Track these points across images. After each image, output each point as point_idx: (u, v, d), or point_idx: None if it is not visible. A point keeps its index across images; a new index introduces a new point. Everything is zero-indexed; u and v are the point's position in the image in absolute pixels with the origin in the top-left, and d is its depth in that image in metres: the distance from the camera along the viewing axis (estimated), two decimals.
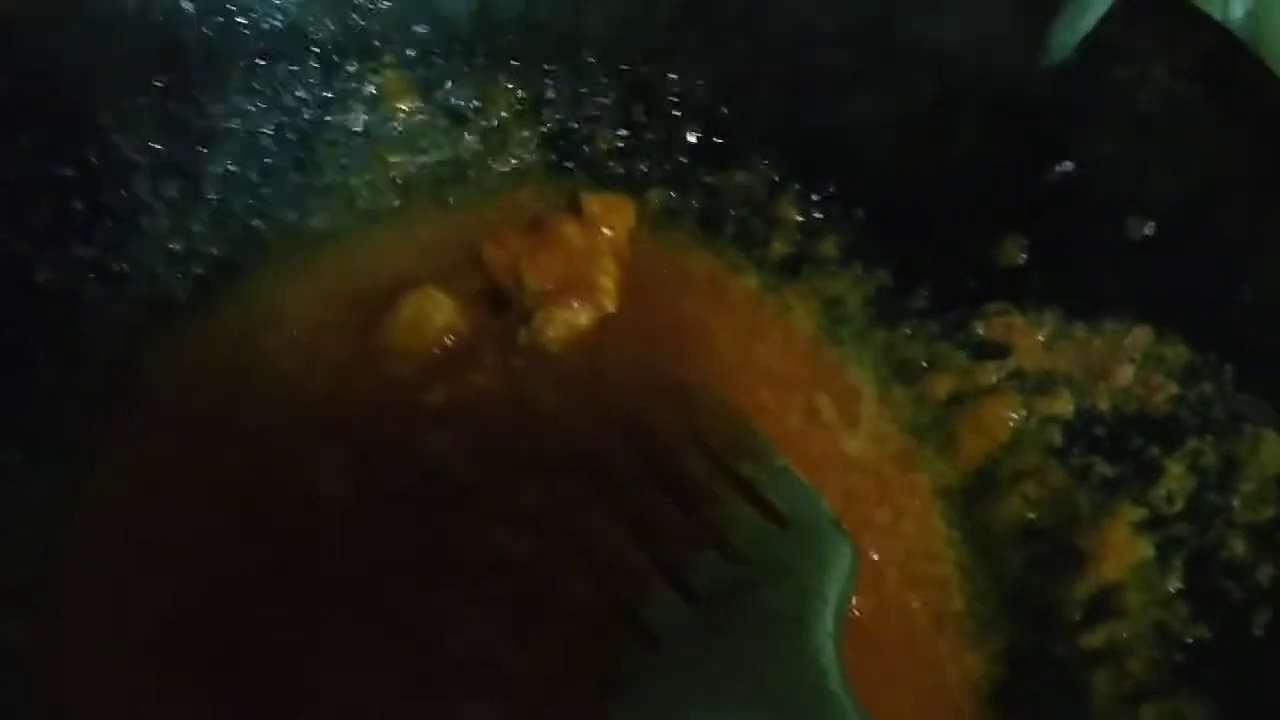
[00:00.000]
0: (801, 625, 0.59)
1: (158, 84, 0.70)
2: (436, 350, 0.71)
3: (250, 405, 0.68)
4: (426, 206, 0.78)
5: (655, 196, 0.79)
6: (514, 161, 0.79)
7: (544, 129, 0.79)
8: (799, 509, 0.65)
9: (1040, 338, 0.71)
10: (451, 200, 0.78)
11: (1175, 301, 0.66)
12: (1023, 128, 0.71)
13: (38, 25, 0.66)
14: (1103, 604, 0.65)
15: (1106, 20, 0.67)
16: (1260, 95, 0.64)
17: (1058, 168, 0.70)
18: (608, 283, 0.73)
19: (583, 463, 0.68)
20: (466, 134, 0.78)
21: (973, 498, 0.70)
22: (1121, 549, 0.65)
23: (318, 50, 0.74)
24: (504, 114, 0.78)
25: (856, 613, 0.63)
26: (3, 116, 0.65)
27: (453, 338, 0.71)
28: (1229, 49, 0.66)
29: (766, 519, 0.65)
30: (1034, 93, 0.70)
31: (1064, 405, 0.69)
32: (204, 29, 0.71)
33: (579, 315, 0.71)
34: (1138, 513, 0.65)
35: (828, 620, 0.59)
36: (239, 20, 0.72)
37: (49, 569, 0.61)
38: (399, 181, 0.77)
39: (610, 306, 0.73)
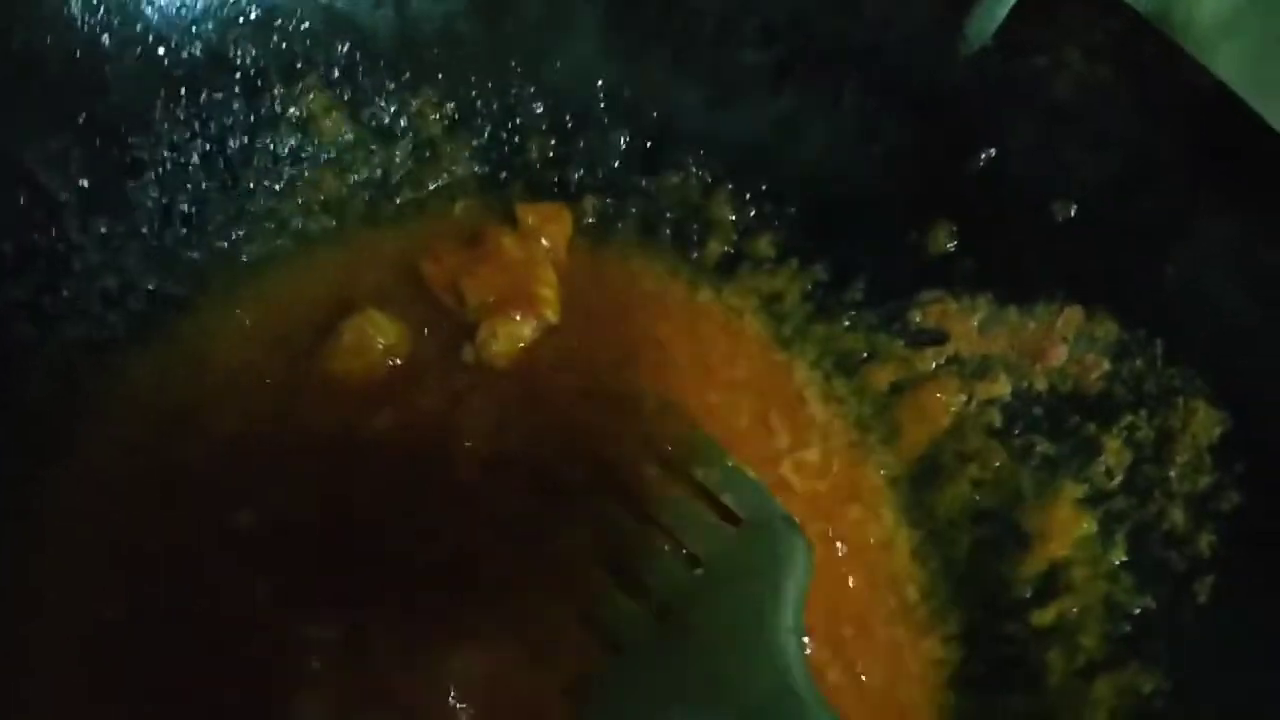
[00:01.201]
0: (760, 622, 0.60)
1: (80, 120, 0.68)
2: (380, 373, 0.70)
3: (192, 442, 0.67)
4: (361, 227, 0.77)
5: (590, 204, 0.79)
6: (446, 176, 0.79)
7: (474, 142, 0.79)
8: (751, 508, 0.66)
9: (975, 323, 0.72)
10: (386, 219, 0.78)
11: (1103, 281, 0.68)
12: (944, 118, 0.72)
13: None
14: (1051, 581, 0.67)
15: (1021, 9, 0.68)
16: (1172, 77, 0.66)
17: (981, 155, 0.71)
18: (548, 293, 0.73)
19: (535, 477, 0.68)
20: (397, 151, 0.78)
21: (919, 485, 0.72)
22: (1066, 526, 0.67)
23: (240, 75, 0.73)
24: (433, 129, 0.78)
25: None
26: None
27: (397, 360, 0.71)
28: (1140, 32, 0.67)
29: (720, 520, 0.66)
30: (954, 83, 0.71)
31: (1002, 388, 0.71)
32: (123, 61, 0.69)
33: (522, 328, 0.72)
34: (1079, 489, 0.67)
35: (787, 616, 0.60)
36: (158, 50, 0.70)
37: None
38: (332, 203, 0.76)
39: (552, 317, 0.73)
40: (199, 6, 0.71)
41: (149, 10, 0.69)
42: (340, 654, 0.62)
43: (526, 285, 0.73)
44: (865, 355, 0.75)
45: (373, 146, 0.77)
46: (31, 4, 0.66)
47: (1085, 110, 0.68)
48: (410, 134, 0.78)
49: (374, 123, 0.77)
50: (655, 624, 0.63)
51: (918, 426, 0.72)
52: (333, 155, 0.76)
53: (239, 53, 0.73)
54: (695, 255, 0.79)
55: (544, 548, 0.66)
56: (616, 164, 0.79)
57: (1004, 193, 0.71)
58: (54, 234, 0.68)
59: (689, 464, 0.68)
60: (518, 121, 0.79)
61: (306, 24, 0.74)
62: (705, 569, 0.64)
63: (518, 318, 0.72)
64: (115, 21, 0.68)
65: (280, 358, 0.71)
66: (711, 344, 0.75)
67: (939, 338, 0.73)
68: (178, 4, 0.70)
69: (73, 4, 0.67)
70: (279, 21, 0.73)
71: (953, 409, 0.72)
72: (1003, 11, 0.69)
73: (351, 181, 0.77)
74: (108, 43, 0.68)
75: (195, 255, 0.72)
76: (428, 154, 0.78)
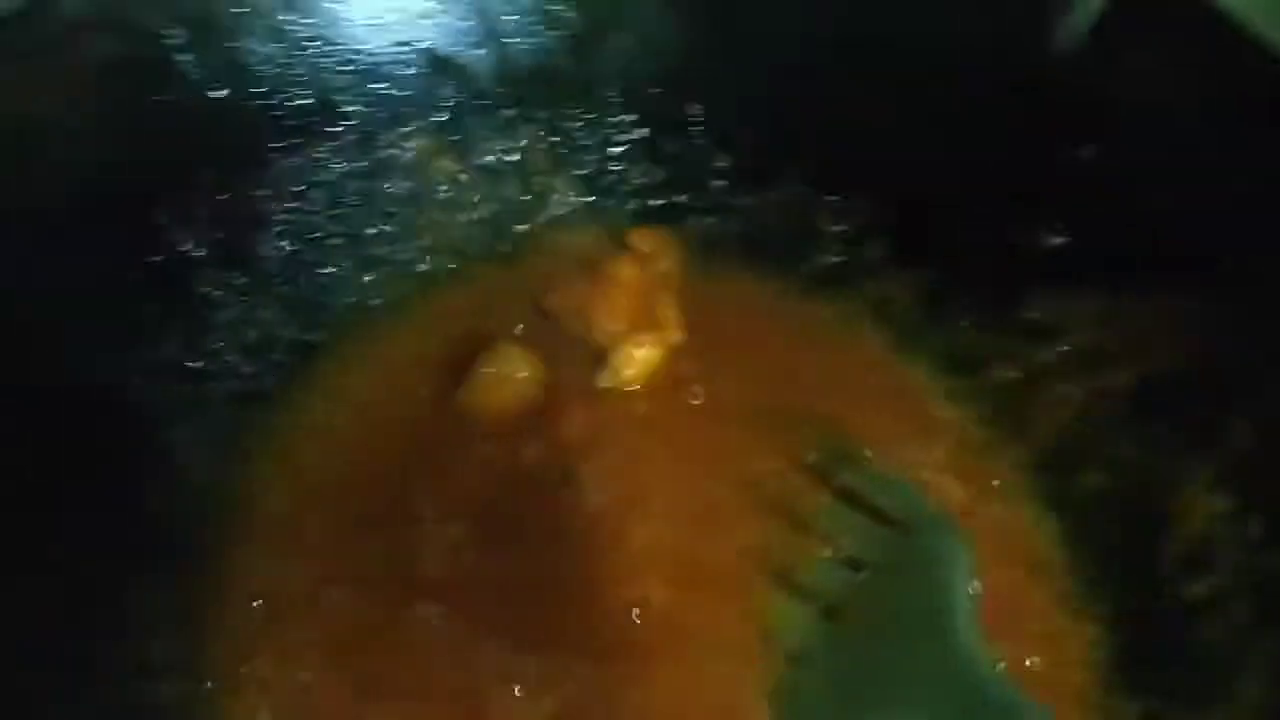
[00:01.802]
0: (940, 621, 0.61)
1: (204, 176, 0.69)
2: (521, 405, 0.71)
3: (356, 493, 0.68)
4: (481, 265, 0.78)
5: (696, 225, 0.80)
6: (555, 208, 0.80)
7: (579, 173, 0.80)
8: (906, 508, 0.67)
9: (1090, 315, 0.74)
10: (502, 255, 0.79)
11: (1212, 267, 0.70)
12: (1042, 116, 0.74)
13: (82, 128, 0.65)
14: (1196, 557, 0.68)
15: (1115, 6, 0.70)
16: (1260, 72, 0.68)
17: (1081, 151, 0.73)
18: (671, 315, 0.75)
19: (685, 496, 0.69)
20: (506, 188, 0.79)
21: (1054, 475, 0.73)
22: (1201, 504, 0.69)
23: (350, 123, 0.74)
24: (539, 164, 0.79)
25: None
26: (64, 231, 0.63)
27: (535, 391, 0.72)
28: (1236, 30, 0.70)
29: (875, 523, 0.67)
30: (1049, 81, 0.73)
31: (1123, 376, 0.72)
32: (238, 114, 0.70)
33: (652, 351, 0.73)
34: (1210, 469, 0.69)
35: (964, 612, 0.62)
36: (270, 102, 0.71)
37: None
38: (450, 243, 0.77)
39: (678, 338, 0.74)
40: (306, 56, 0.72)
41: (254, 61, 0.70)
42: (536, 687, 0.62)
43: (650, 309, 0.74)
44: (984, 353, 0.76)
45: (484, 185, 0.78)
46: (148, 69, 0.66)
47: (1178, 103, 0.70)
48: (517, 170, 0.79)
49: (482, 161, 0.78)
50: (828, 629, 0.65)
51: (1044, 419, 0.74)
52: (446, 196, 0.77)
53: (348, 100, 0.73)
54: (804, 268, 0.80)
55: (704, 568, 0.67)
56: (718, 185, 0.80)
57: (1109, 186, 0.72)
58: (192, 291, 0.68)
59: (835, 470, 0.69)
60: (619, 150, 0.80)
61: (410, 70, 0.75)
62: (869, 572, 0.66)
63: (647, 341, 0.73)
64: (226, 75, 0.69)
65: (423, 395, 0.72)
66: (831, 353, 0.76)
67: (1055, 332, 0.74)
68: (283, 57, 0.71)
69: (185, 62, 0.67)
70: (384, 68, 0.74)
71: (1076, 400, 0.73)
72: (1096, 11, 0.71)
73: (466, 220, 0.78)
74: (222, 96, 0.69)
75: (327, 302, 0.74)
76: (536, 188, 0.80)
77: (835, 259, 0.80)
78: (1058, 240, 0.74)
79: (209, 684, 0.62)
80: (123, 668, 0.61)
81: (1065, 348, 0.74)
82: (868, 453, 0.70)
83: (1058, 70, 0.72)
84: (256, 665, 0.63)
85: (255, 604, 0.65)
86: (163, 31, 0.66)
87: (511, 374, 0.71)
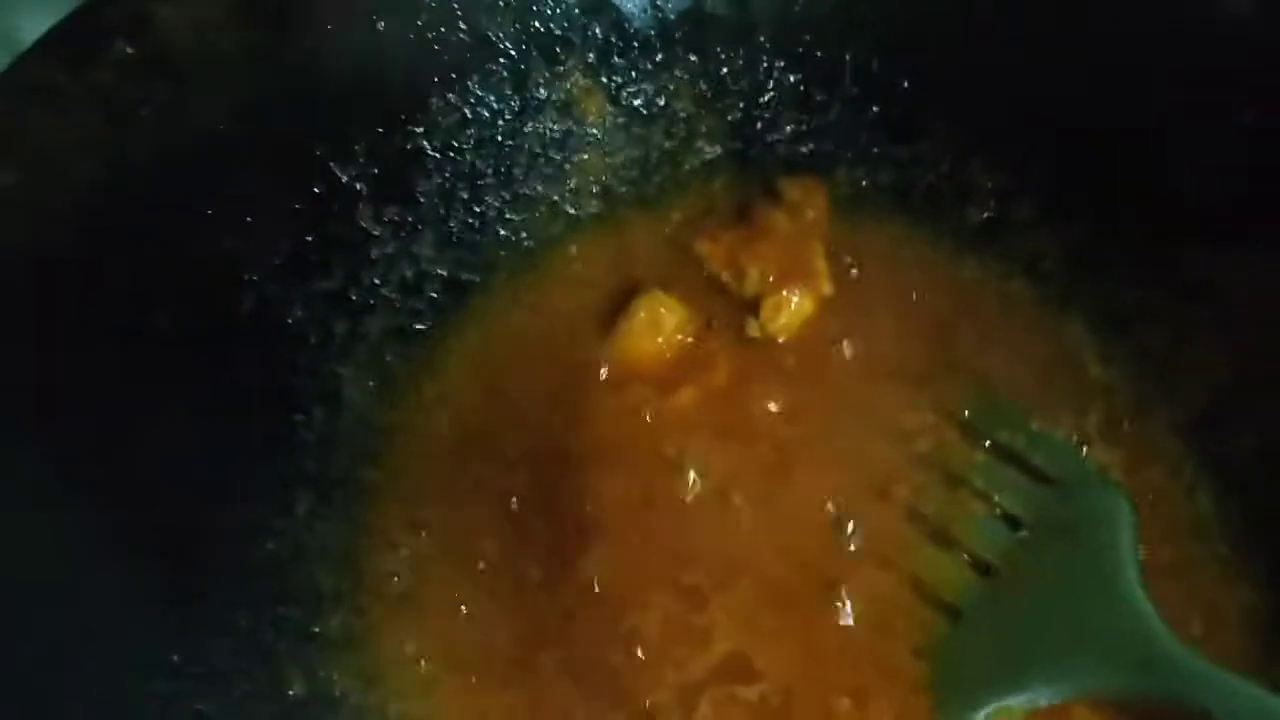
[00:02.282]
0: (1107, 579, 0.61)
1: (364, 110, 0.69)
2: (673, 352, 0.71)
3: (511, 431, 0.69)
4: (627, 208, 0.78)
5: (844, 175, 0.79)
6: (703, 154, 0.79)
7: (728, 119, 0.79)
8: (1064, 468, 0.67)
9: (1246, 276, 0.72)
10: (649, 199, 0.78)
11: None
12: (1206, 79, 0.72)
13: (247, 60, 0.64)
14: None
15: None
16: None
17: (1245, 115, 0.71)
18: (822, 265, 0.74)
19: (837, 452, 0.69)
20: (655, 132, 0.78)
21: (1210, 436, 0.71)
22: None
23: (505, 60, 0.73)
24: (688, 108, 0.78)
25: None
26: (229, 155, 0.64)
27: (687, 338, 0.71)
28: None
29: (1034, 482, 0.66)
30: (1217, 43, 0.71)
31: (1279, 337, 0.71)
32: (398, 48, 0.69)
33: (804, 301, 0.72)
34: None
35: (1130, 571, 0.61)
36: (428, 35, 0.70)
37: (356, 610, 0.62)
38: (599, 186, 0.77)
39: (828, 289, 0.73)
40: None
41: None
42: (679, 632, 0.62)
43: (802, 258, 0.73)
44: (1137, 312, 0.74)
45: (632, 129, 0.78)
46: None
47: None
48: (666, 114, 0.78)
49: (632, 104, 0.77)
50: (987, 586, 0.64)
51: (1199, 380, 0.73)
52: (596, 138, 0.76)
53: (503, 37, 0.73)
54: (953, 222, 0.78)
55: (859, 523, 0.66)
56: (867, 135, 0.79)
57: (1270, 150, 0.71)
58: (351, 224, 0.69)
59: (991, 428, 0.69)
60: (769, 97, 0.79)
61: (564, 6, 0.74)
62: (1030, 530, 0.65)
63: (797, 292, 0.72)
64: (388, 6, 0.68)
65: (573, 337, 0.72)
66: (983, 309, 0.75)
67: (1209, 292, 0.73)
68: None
69: None
70: (537, 5, 0.73)
71: (1231, 361, 0.72)
72: None
73: (614, 164, 0.78)
74: (383, 27, 0.68)
75: (480, 240, 0.73)
76: (684, 133, 0.79)
77: (987, 213, 0.78)
78: (1214, 201, 0.72)
79: (370, 614, 0.62)
80: (290, 598, 0.61)
81: (1220, 308, 0.73)
82: (1026, 412, 0.69)
83: (1226, 31, 0.70)
84: (413, 599, 0.64)
85: (401, 551, 0.66)
86: None
87: (661, 321, 0.71)
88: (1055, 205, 0.77)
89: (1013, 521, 0.66)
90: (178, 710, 0.56)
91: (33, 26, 0.65)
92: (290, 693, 0.61)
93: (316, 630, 0.63)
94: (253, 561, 0.62)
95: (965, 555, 0.65)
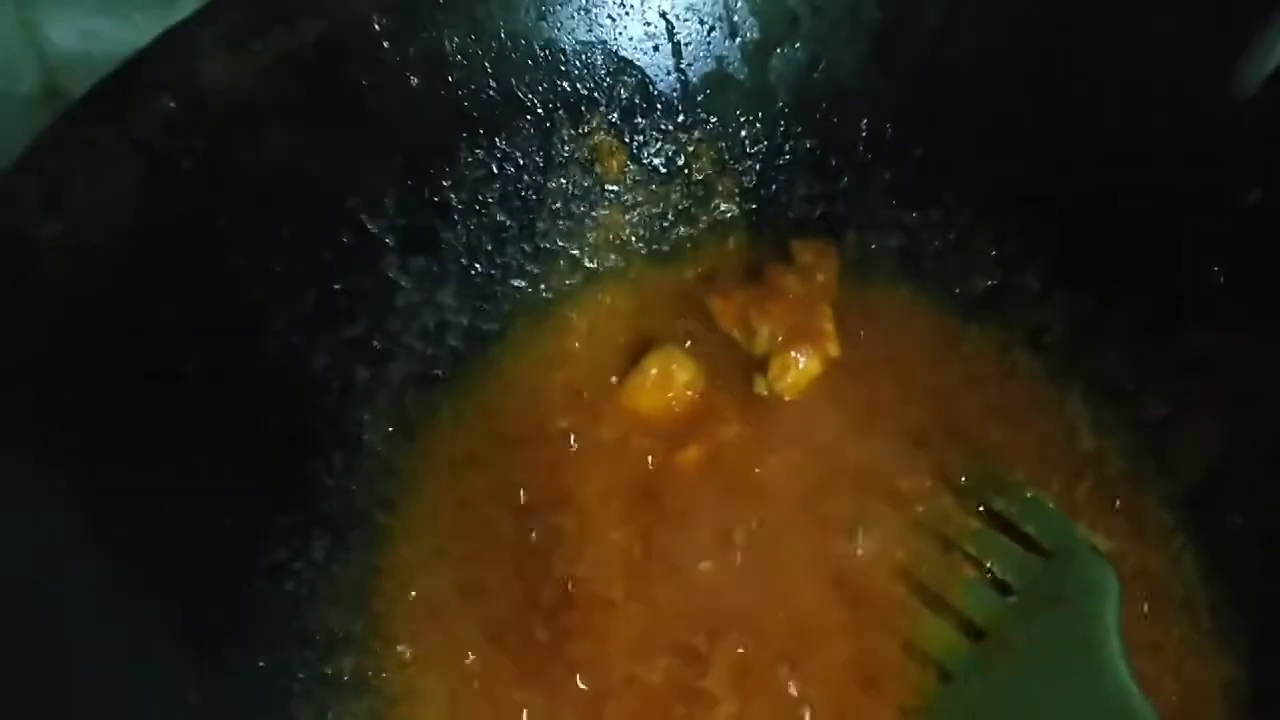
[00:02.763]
0: (1092, 650, 0.63)
1: (395, 162, 0.71)
2: (682, 408, 0.73)
3: (520, 484, 0.71)
4: (643, 264, 0.81)
5: (854, 239, 0.81)
6: (719, 213, 0.82)
7: (744, 180, 0.81)
8: (1056, 537, 0.68)
9: (1244, 352, 0.74)
10: (664, 256, 0.81)
11: None
12: (1213, 159, 0.74)
13: (284, 115, 0.67)
14: None
15: None
16: None
17: (1250, 196, 0.73)
18: (829, 328, 0.76)
19: (836, 512, 0.71)
20: (673, 190, 0.81)
21: (1200, 511, 0.73)
22: None
23: (531, 118, 0.76)
24: (706, 168, 0.81)
25: None
26: (265, 210, 0.66)
27: (695, 394, 0.73)
28: None
29: (1025, 549, 0.68)
30: (1224, 125, 0.73)
31: (1273, 416, 0.73)
32: (430, 103, 0.72)
33: (811, 362, 0.74)
34: None
35: (1113, 642, 0.63)
36: (459, 92, 0.73)
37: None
38: (616, 242, 0.79)
39: (834, 351, 0.75)
40: (493, 48, 0.73)
41: (449, 49, 0.72)
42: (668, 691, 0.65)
43: (811, 320, 0.75)
44: (1135, 386, 0.76)
45: (652, 186, 0.80)
46: (353, 54, 0.68)
47: None
48: (685, 173, 0.81)
49: (652, 163, 0.79)
50: (976, 650, 0.66)
51: (1193, 455, 0.74)
52: (616, 195, 0.79)
53: (531, 95, 0.75)
54: (958, 290, 0.81)
55: (853, 582, 0.68)
56: (879, 200, 0.81)
57: (1272, 233, 0.73)
58: (377, 273, 0.71)
59: (987, 495, 0.71)
60: (785, 160, 0.81)
61: (590, 67, 0.76)
62: (1020, 596, 0.67)
63: (807, 352, 0.74)
64: (423, 63, 0.71)
65: (586, 388, 0.75)
66: (984, 377, 0.77)
67: (1208, 368, 0.75)
68: (471, 48, 0.73)
69: (385, 49, 0.69)
70: (564, 66, 0.76)
71: (1227, 437, 0.74)
72: (1275, 60, 0.71)
73: (632, 220, 0.80)
74: (415, 84, 0.71)
75: (501, 290, 0.76)
76: (701, 193, 0.81)
77: (992, 282, 0.80)
78: (1218, 280, 0.74)
79: (382, 657, 0.65)
80: (303, 638, 0.64)
81: (1218, 384, 0.74)
82: (1023, 481, 0.71)
83: (1233, 113, 0.72)
84: (423, 644, 0.66)
85: (412, 595, 0.68)
86: (371, 17, 0.68)
87: (672, 376, 0.73)
88: (1059, 277, 0.79)
89: (1003, 588, 0.68)
90: None
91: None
92: None
93: (328, 672, 0.65)
94: (272, 604, 0.64)
95: (957, 619, 0.67)
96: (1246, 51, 0.71)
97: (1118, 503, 0.74)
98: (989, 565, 0.68)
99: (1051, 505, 0.70)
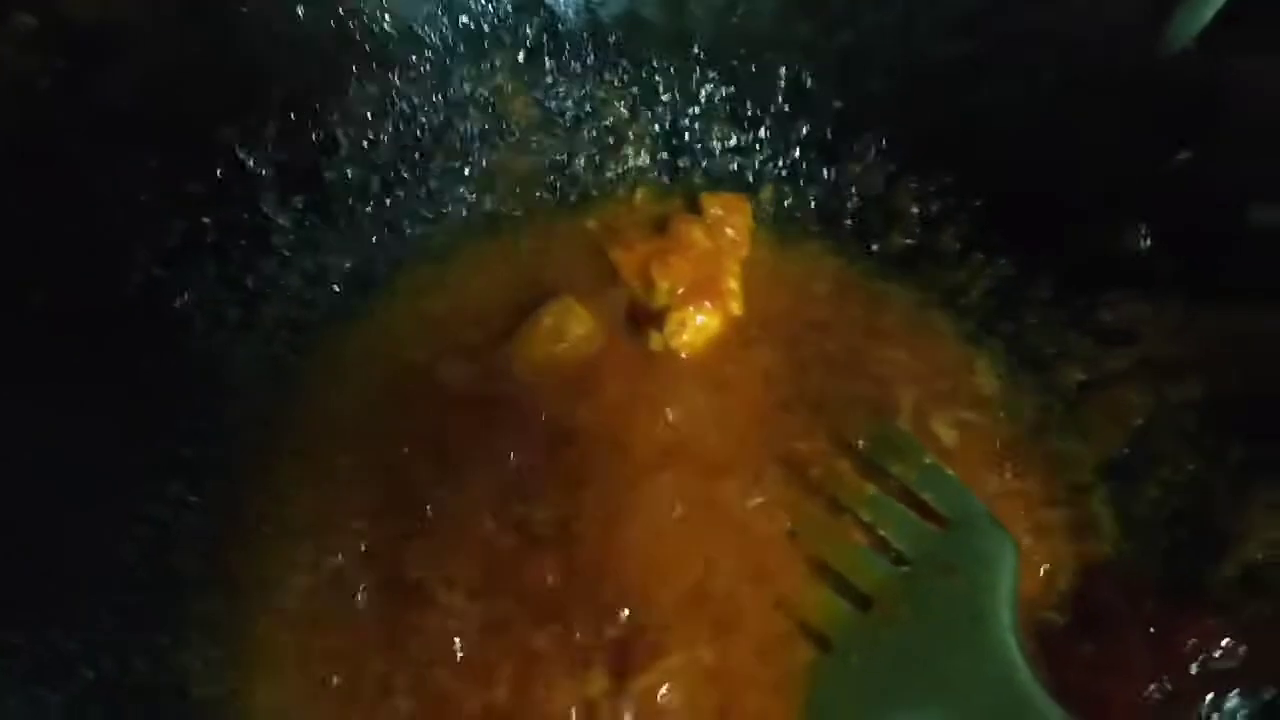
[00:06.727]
0: (980, 621, 0.61)
1: (276, 94, 0.68)
2: (575, 360, 0.70)
3: (393, 432, 0.68)
4: (546, 213, 0.77)
5: (770, 193, 0.78)
6: (628, 163, 0.78)
7: (656, 128, 0.78)
8: (954, 506, 0.66)
9: (1167, 324, 0.71)
10: (570, 205, 0.78)
11: None
12: (1142, 116, 0.71)
13: (155, 39, 0.64)
14: (1247, 583, 0.66)
15: (1226, 10, 0.67)
16: None
17: (1178, 156, 0.70)
18: (734, 285, 0.73)
19: (725, 468, 0.68)
20: (581, 137, 0.77)
21: (1116, 482, 0.70)
22: (1260, 529, 0.66)
23: (430, 54, 0.72)
24: (616, 114, 0.78)
25: None
26: (129, 136, 0.63)
27: (589, 347, 0.71)
28: None
29: (923, 519, 0.66)
30: (1154, 82, 0.70)
31: (1194, 390, 0.70)
32: (317, 34, 0.69)
33: (711, 319, 0.71)
34: (1275, 493, 0.66)
35: (1005, 615, 0.61)
36: (350, 24, 0.70)
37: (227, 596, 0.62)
38: (518, 188, 0.76)
39: (737, 310, 0.73)
40: None
41: None
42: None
43: (715, 276, 0.73)
44: (1054, 352, 0.73)
45: (557, 131, 0.77)
46: None
47: None
48: (594, 119, 0.78)
49: (559, 107, 0.76)
50: (861, 619, 0.63)
51: (1109, 426, 0.71)
52: (518, 139, 0.76)
53: (430, 29, 0.72)
54: (876, 247, 0.78)
55: (737, 547, 0.65)
56: (797, 153, 0.78)
57: (1200, 194, 0.69)
58: (253, 210, 0.68)
59: (885, 460, 0.68)
60: (699, 109, 0.78)
61: (495, 4, 0.73)
62: (912, 567, 0.64)
63: (706, 309, 0.71)
64: None
65: (476, 339, 0.71)
66: (896, 339, 0.74)
67: (1129, 337, 0.72)
68: None
69: None
70: (469, 1, 0.73)
71: (1144, 410, 0.71)
72: (1208, 14, 0.68)
73: (536, 166, 0.77)
74: (302, 14, 0.68)
75: (389, 236, 0.73)
76: (610, 140, 0.78)
77: (911, 241, 0.77)
78: (1142, 245, 0.71)
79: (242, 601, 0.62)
80: (164, 580, 0.61)
81: (1138, 355, 0.71)
82: (922, 446, 0.68)
83: (1163, 72, 0.69)
84: (283, 587, 0.63)
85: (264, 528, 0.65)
86: None
87: (567, 328, 0.70)
88: (980, 238, 0.76)
89: (897, 557, 0.65)
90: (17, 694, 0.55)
91: None
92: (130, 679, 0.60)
93: (189, 615, 0.62)
94: (118, 548, 0.61)
95: (845, 587, 0.64)
96: (1178, 5, 0.68)
97: (1032, 470, 0.71)
98: (882, 533, 0.66)
99: (951, 473, 0.67)
